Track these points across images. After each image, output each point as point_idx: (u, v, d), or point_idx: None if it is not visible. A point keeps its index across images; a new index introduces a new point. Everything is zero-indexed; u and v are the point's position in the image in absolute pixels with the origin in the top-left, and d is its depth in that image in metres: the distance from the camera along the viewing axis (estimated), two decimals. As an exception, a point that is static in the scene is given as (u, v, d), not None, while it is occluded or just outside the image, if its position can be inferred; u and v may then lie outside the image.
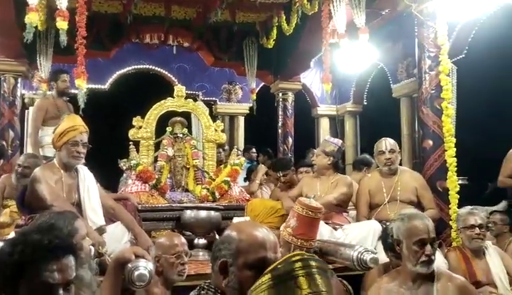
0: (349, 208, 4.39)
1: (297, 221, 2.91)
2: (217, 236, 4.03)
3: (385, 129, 6.48)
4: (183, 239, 2.86)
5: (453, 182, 4.24)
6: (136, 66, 8.79)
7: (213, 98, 9.44)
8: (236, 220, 4.02)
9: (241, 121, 9.52)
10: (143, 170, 4.51)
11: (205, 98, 9.22)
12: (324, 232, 3.65)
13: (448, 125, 4.30)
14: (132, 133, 4.70)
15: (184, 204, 4.41)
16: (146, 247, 2.85)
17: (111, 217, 3.46)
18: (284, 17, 6.70)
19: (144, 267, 1.95)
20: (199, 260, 3.89)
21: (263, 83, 8.71)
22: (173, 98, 4.93)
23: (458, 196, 4.23)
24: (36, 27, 4.55)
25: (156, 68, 8.97)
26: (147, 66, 8.89)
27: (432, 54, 4.46)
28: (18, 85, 6.84)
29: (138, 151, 4.66)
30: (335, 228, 3.89)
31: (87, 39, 4.63)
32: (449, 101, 4.35)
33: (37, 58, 6.48)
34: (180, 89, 5.01)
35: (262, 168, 5.97)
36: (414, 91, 6.54)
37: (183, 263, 2.74)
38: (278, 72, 8.09)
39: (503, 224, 4.54)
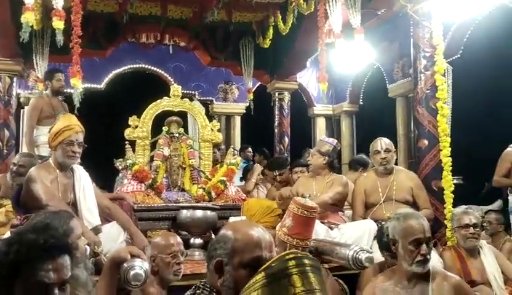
0: (344, 207, 4.40)
1: (293, 221, 2.91)
2: (213, 236, 4.03)
3: (381, 129, 6.51)
4: (179, 239, 2.85)
5: (448, 182, 4.25)
6: (132, 66, 8.77)
7: (210, 98, 9.44)
8: (232, 219, 4.03)
9: (237, 121, 9.52)
10: (139, 170, 4.50)
11: (202, 98, 9.23)
12: (320, 231, 3.65)
13: (444, 124, 4.32)
14: (127, 133, 4.69)
15: (180, 204, 4.42)
16: (141, 247, 2.85)
17: (106, 216, 3.46)
18: (280, 17, 6.71)
19: (140, 266, 1.95)
20: (194, 260, 3.90)
21: (259, 83, 8.71)
22: (169, 97, 4.93)
23: (453, 195, 4.24)
24: (32, 26, 4.54)
25: (152, 67, 8.94)
26: (143, 66, 8.86)
27: (427, 54, 4.47)
28: (14, 84, 6.81)
29: (134, 151, 4.66)
30: (331, 228, 3.89)
31: (83, 38, 4.61)
32: (444, 101, 4.36)
33: (33, 58, 6.48)
34: (176, 88, 5.01)
35: (258, 168, 5.97)
36: (410, 91, 6.56)
37: (178, 262, 2.74)
38: (274, 71, 8.09)
39: (497, 223, 4.57)
